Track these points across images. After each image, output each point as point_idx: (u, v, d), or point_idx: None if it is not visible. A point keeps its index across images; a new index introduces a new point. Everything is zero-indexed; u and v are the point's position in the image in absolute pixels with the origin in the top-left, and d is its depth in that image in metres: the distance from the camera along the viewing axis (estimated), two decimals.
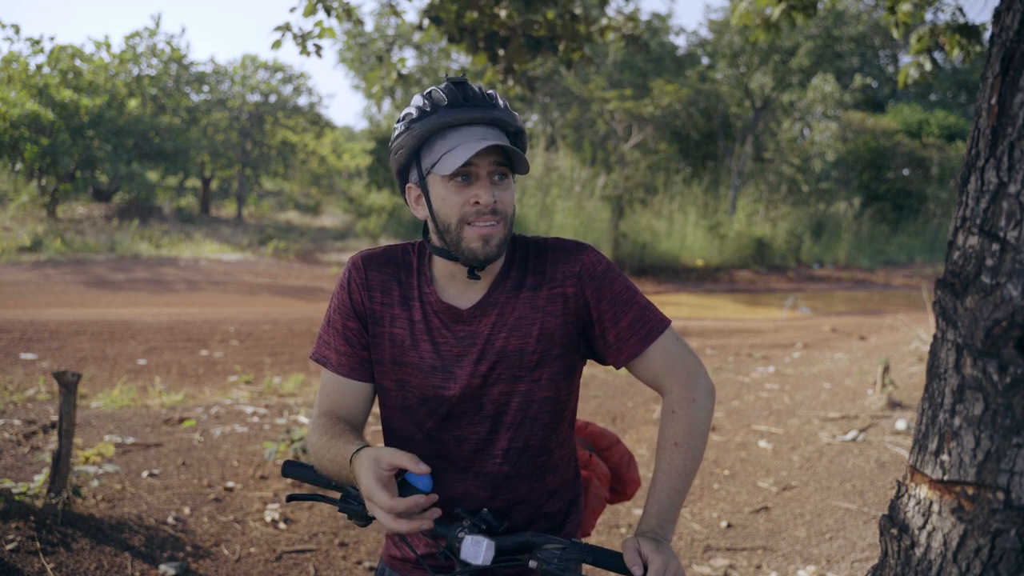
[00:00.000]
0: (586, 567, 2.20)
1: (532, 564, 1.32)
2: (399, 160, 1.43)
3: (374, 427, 5.02)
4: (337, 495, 1.39)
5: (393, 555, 1.56)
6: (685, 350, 1.48)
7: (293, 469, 1.46)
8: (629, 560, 1.28)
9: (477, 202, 1.36)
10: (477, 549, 1.32)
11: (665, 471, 1.42)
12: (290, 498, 1.43)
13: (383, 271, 1.49)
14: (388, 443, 1.55)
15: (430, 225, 1.44)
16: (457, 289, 1.46)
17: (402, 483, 1.40)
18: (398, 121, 1.43)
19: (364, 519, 1.37)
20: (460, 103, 1.37)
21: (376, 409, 1.60)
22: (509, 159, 1.38)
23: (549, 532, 1.55)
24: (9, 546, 2.86)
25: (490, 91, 1.42)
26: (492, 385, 1.46)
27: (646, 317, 1.46)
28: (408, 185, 1.45)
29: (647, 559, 1.27)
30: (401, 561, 1.55)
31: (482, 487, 1.48)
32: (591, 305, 1.45)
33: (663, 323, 1.47)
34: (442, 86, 1.40)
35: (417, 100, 1.41)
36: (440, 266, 1.46)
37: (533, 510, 1.52)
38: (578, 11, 5.39)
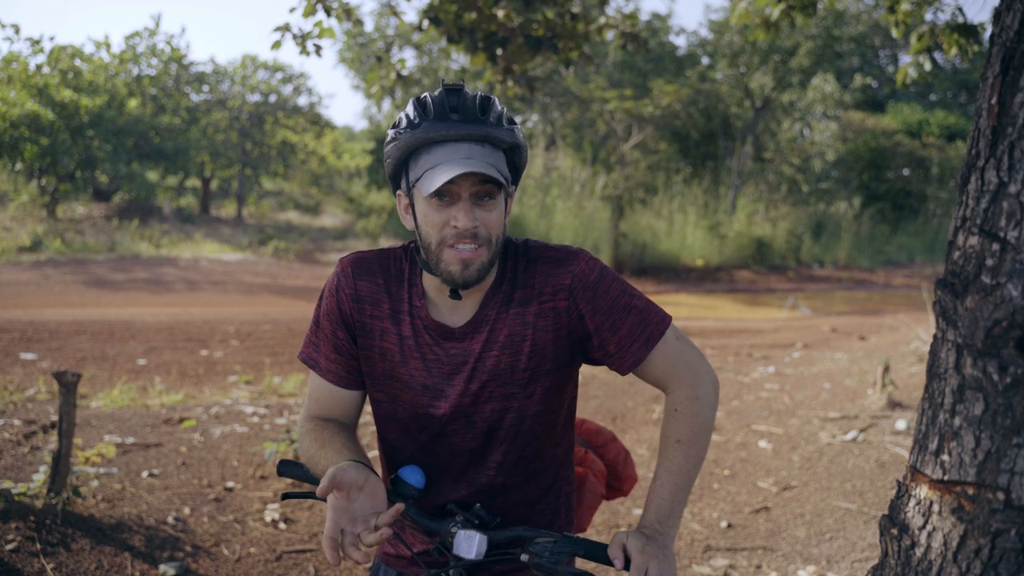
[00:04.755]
0: (584, 563, 2.21)
1: (524, 558, 1.33)
2: (388, 168, 1.39)
3: (373, 427, 5.01)
4: None
5: (388, 552, 1.56)
6: (687, 347, 1.45)
7: (288, 468, 1.46)
8: (611, 552, 1.29)
9: (456, 226, 1.29)
10: (470, 544, 1.33)
11: (666, 468, 1.40)
12: (285, 496, 1.44)
13: (373, 282, 1.43)
14: (384, 451, 1.55)
15: (416, 236, 1.39)
16: (448, 304, 1.41)
17: (395, 479, 1.41)
18: (392, 127, 1.38)
19: None
20: (447, 116, 1.30)
21: (369, 407, 1.58)
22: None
23: (543, 527, 1.55)
24: (9, 546, 2.86)
25: (486, 98, 1.34)
26: (484, 403, 1.42)
27: (646, 320, 1.41)
28: (398, 193, 1.41)
29: (630, 554, 1.27)
30: (396, 558, 1.55)
31: (477, 496, 1.48)
32: (586, 317, 1.39)
33: (664, 323, 1.42)
34: (435, 93, 1.33)
35: (409, 107, 1.35)
36: (431, 280, 1.41)
37: (527, 509, 1.53)
38: (577, 10, 5.39)
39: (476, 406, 1.43)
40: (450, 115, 1.30)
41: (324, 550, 1.18)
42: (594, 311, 1.39)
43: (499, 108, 1.35)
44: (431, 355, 1.41)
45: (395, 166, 1.38)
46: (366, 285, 1.43)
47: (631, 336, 1.40)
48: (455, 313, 1.41)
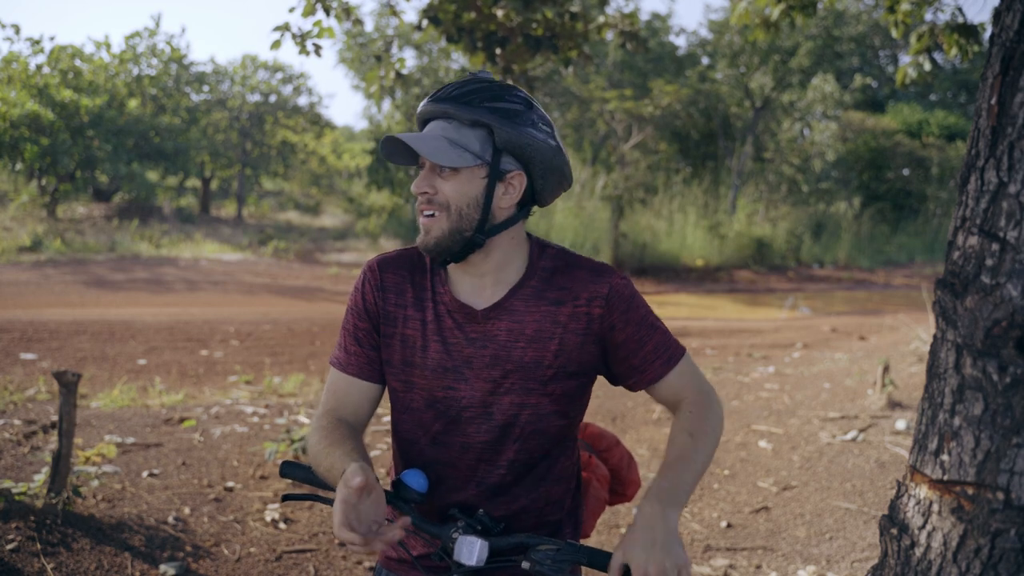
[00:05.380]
0: (588, 572, 2.20)
1: (525, 565, 1.32)
2: None
3: (373, 426, 5.02)
4: (332, 495, 1.40)
5: (389, 556, 1.56)
6: (701, 375, 1.53)
7: (291, 469, 1.46)
8: (612, 565, 1.26)
9: (412, 189, 1.39)
10: (471, 550, 1.31)
11: (676, 455, 1.41)
12: (285, 498, 1.44)
13: (398, 273, 1.50)
14: (396, 446, 1.56)
15: None
16: (473, 288, 1.46)
17: (397, 483, 1.40)
18: None
19: None
20: (430, 98, 1.40)
21: (380, 409, 1.59)
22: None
23: (547, 536, 1.54)
24: (9, 546, 2.86)
25: (482, 81, 1.40)
26: (504, 394, 1.45)
27: (668, 342, 1.49)
28: None
29: (629, 565, 1.24)
30: (398, 562, 1.55)
31: (483, 495, 1.48)
32: (617, 328, 1.45)
33: (682, 349, 1.51)
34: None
35: None
36: (455, 265, 1.46)
37: (534, 519, 1.52)
38: (576, 9, 5.39)
39: (495, 396, 1.45)
40: (430, 99, 1.40)
41: (342, 535, 1.17)
42: (625, 323, 1.45)
43: (489, 89, 1.38)
44: (452, 338, 1.45)
45: None
46: (391, 276, 1.50)
47: (655, 353, 1.47)
48: (480, 297, 1.45)
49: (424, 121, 1.44)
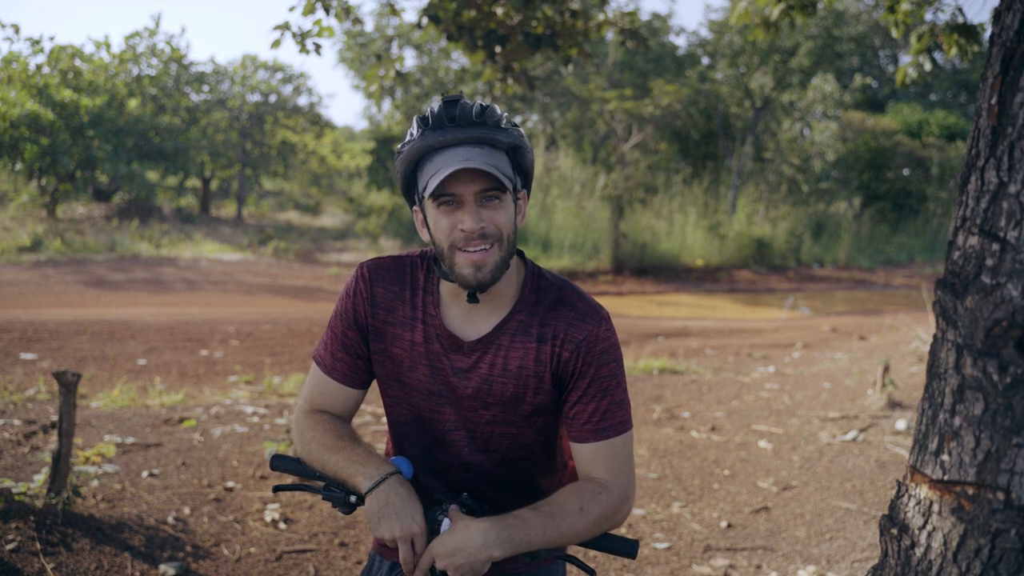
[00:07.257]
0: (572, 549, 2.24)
1: None
2: (400, 184, 1.44)
3: (373, 426, 5.02)
4: (320, 484, 1.46)
5: (382, 543, 1.60)
6: (628, 467, 1.45)
7: (281, 462, 1.51)
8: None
9: (463, 229, 1.33)
10: None
11: (554, 508, 1.37)
12: (276, 488, 1.50)
13: (388, 289, 1.47)
14: (392, 443, 1.60)
15: (433, 247, 1.43)
16: (464, 316, 1.44)
17: None
18: (402, 145, 1.42)
19: (347, 506, 1.41)
20: (444, 124, 1.34)
21: (370, 407, 1.62)
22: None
23: None
24: (9, 546, 2.86)
25: (484, 105, 1.37)
26: (485, 425, 1.47)
27: (612, 414, 1.43)
28: (414, 208, 1.44)
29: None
30: (390, 550, 1.59)
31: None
32: (575, 375, 1.43)
33: (623, 427, 1.44)
34: (435, 106, 1.37)
35: (413, 123, 1.40)
36: (448, 288, 1.44)
37: None
38: (576, 7, 5.38)
39: (478, 425, 1.47)
40: (446, 124, 1.34)
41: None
42: (583, 375, 1.43)
43: (498, 112, 1.38)
44: (439, 363, 1.45)
45: (404, 180, 1.42)
46: (382, 291, 1.47)
47: (591, 418, 1.43)
48: (470, 326, 1.45)
49: (433, 149, 1.35)
